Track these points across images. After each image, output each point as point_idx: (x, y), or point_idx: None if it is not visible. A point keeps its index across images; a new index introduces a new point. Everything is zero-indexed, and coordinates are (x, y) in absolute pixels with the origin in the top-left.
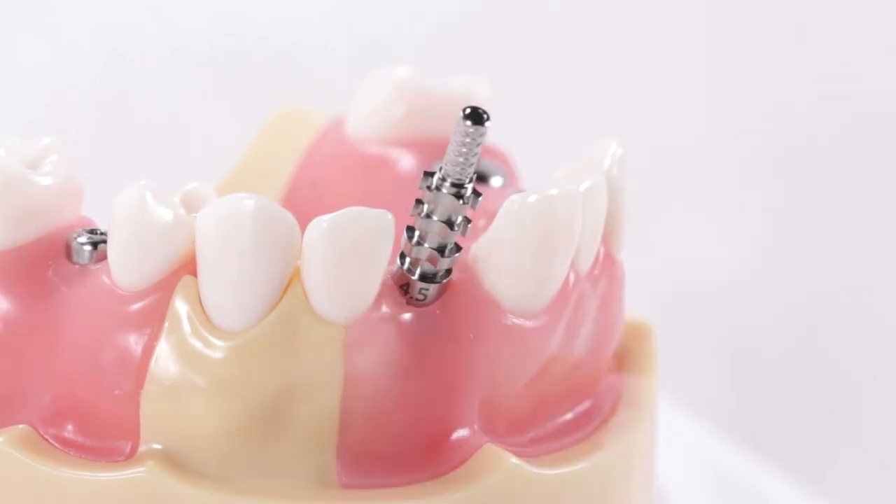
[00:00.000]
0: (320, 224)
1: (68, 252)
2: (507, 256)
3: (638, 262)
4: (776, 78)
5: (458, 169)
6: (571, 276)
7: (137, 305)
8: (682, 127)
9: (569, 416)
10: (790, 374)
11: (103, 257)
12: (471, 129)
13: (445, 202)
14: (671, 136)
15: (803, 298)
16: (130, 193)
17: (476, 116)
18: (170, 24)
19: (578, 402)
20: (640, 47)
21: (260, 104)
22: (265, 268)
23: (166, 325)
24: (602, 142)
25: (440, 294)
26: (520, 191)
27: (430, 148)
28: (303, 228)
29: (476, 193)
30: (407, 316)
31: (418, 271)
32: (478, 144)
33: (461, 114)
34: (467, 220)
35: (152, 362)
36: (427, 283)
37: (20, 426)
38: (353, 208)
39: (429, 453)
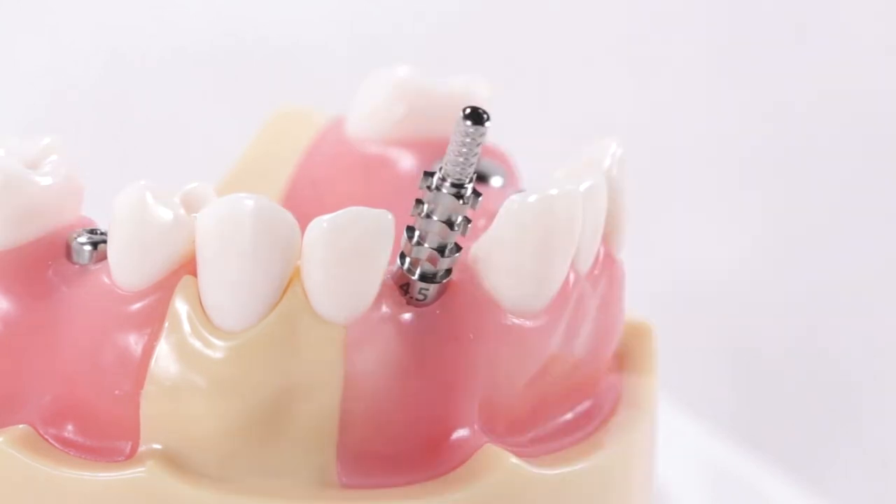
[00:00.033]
0: (320, 224)
1: (68, 252)
2: (507, 256)
3: (638, 262)
4: (776, 78)
5: (458, 169)
6: (571, 276)
7: (137, 305)
8: (682, 127)
9: (569, 416)
10: (790, 374)
11: (103, 257)
12: (471, 129)
13: (445, 202)
14: (671, 136)
15: (803, 298)
16: (130, 193)
17: (476, 116)
18: (170, 24)
19: (578, 402)
20: (640, 47)
21: (260, 104)
22: (265, 268)
23: (166, 325)
24: (602, 142)
25: (440, 294)
26: (520, 191)
27: (430, 148)
28: (303, 228)
29: (476, 193)
30: (407, 316)
31: (418, 271)
32: (478, 144)
33: (461, 114)
34: (467, 220)
35: (152, 362)
36: (427, 283)
37: (20, 426)
38: (353, 208)
39: (429, 453)
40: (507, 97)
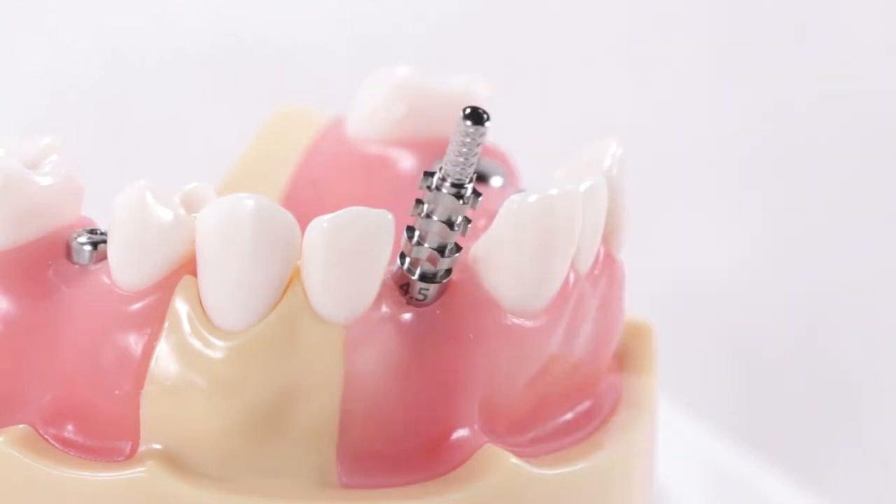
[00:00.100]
0: (320, 224)
1: (68, 252)
2: (507, 256)
3: (638, 262)
4: (776, 78)
5: (458, 169)
6: (571, 276)
7: (137, 305)
8: (682, 127)
9: (569, 416)
10: (790, 374)
11: (103, 257)
12: (471, 129)
13: (445, 202)
14: (671, 136)
15: (803, 298)
16: (130, 193)
17: (476, 116)
18: (170, 24)
19: (578, 402)
20: (640, 47)
21: (260, 104)
22: (265, 268)
23: (166, 325)
24: (602, 142)
25: (440, 294)
26: (520, 191)
27: (430, 148)
28: (303, 228)
29: (476, 193)
30: (407, 316)
31: (418, 271)
32: (478, 144)
33: (461, 114)
34: (467, 220)
35: (152, 362)
36: (427, 283)
37: (20, 426)
38: (353, 208)
39: (429, 453)
40: (507, 97)
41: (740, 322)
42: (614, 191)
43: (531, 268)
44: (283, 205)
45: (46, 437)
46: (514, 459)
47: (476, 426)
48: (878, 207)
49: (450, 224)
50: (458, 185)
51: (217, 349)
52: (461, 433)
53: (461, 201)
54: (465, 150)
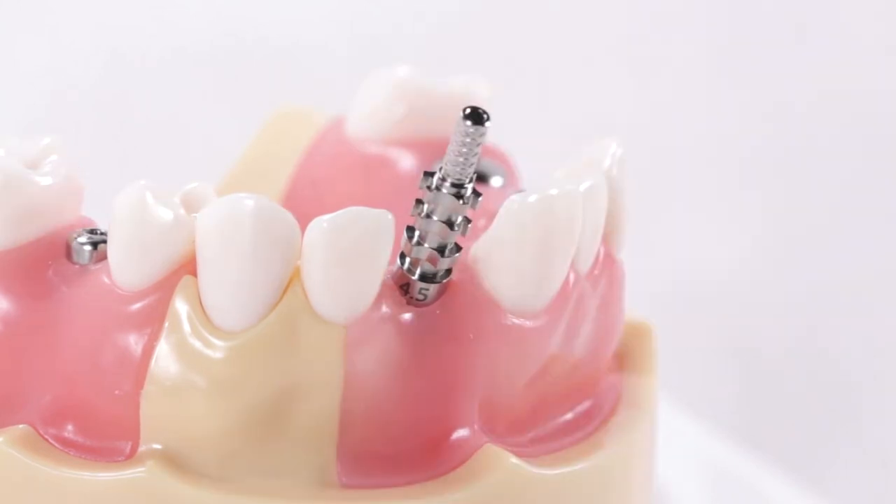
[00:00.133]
0: (320, 224)
1: (68, 252)
2: (507, 256)
3: (638, 262)
4: (776, 78)
5: (458, 169)
6: (571, 276)
7: (137, 305)
8: (682, 127)
9: (569, 416)
10: (790, 374)
11: (103, 257)
12: (471, 129)
13: (445, 202)
14: (671, 136)
15: (803, 298)
16: (130, 193)
17: (476, 116)
18: (170, 24)
19: (578, 402)
20: (640, 47)
21: (260, 104)
22: (265, 268)
23: (166, 325)
24: (602, 142)
25: (440, 294)
26: (520, 191)
27: (430, 148)
28: (303, 228)
29: (476, 193)
30: (407, 316)
31: (418, 271)
32: (478, 144)
33: (461, 114)
34: (467, 220)
35: (152, 362)
36: (427, 283)
37: (20, 426)
38: (353, 208)
39: (429, 453)
40: (507, 97)
41: (740, 322)
42: (614, 191)
43: (531, 268)
44: (283, 205)
45: (46, 437)
46: (514, 459)
47: (476, 426)
48: (878, 207)
49: (450, 224)
50: (458, 185)
51: (217, 349)
52: (461, 433)
53: (461, 201)
54: (465, 150)
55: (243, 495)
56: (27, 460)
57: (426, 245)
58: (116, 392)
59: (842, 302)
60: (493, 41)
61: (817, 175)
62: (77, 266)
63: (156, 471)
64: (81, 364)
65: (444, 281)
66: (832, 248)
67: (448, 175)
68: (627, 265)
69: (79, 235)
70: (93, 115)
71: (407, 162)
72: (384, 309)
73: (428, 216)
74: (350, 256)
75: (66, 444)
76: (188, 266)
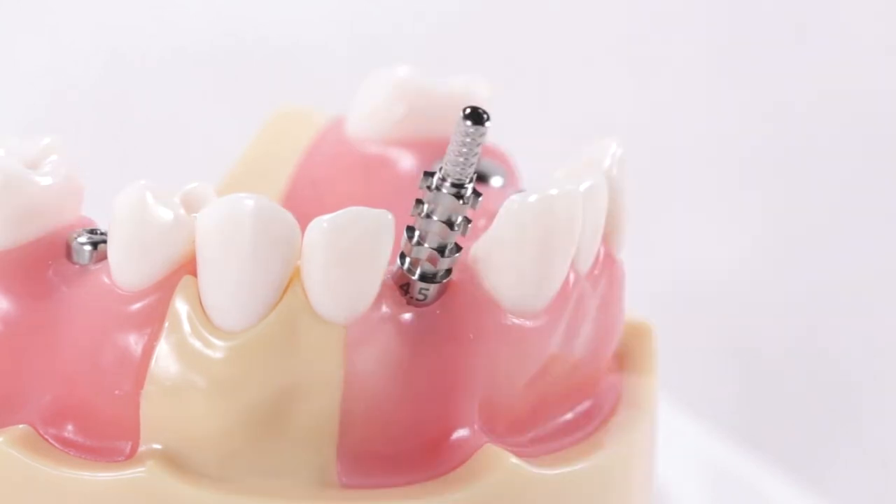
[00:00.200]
0: (320, 224)
1: (68, 252)
2: (507, 256)
3: (638, 262)
4: (776, 78)
5: (458, 169)
6: (571, 276)
7: (137, 305)
8: (682, 127)
9: (569, 416)
10: (790, 374)
11: (103, 257)
12: (471, 129)
13: (445, 202)
14: (671, 136)
15: (803, 298)
16: (130, 193)
17: (476, 116)
18: (170, 24)
19: (578, 402)
20: (640, 47)
21: (260, 104)
22: (265, 268)
23: (166, 325)
24: (602, 142)
25: (440, 294)
26: (520, 191)
27: (430, 148)
28: (303, 228)
29: (476, 193)
30: (407, 316)
31: (418, 271)
32: (478, 144)
33: (461, 114)
34: (467, 220)
35: (152, 362)
36: (427, 283)
37: (20, 426)
38: (353, 208)
39: (429, 453)
40: (507, 97)
41: (740, 322)
42: (614, 191)
43: (531, 268)
44: (283, 205)
45: (46, 437)
46: (514, 459)
47: (476, 426)
48: (878, 207)
49: (450, 224)
50: (458, 185)
51: (217, 349)
52: (461, 433)
53: (461, 201)
54: (465, 150)
55: (243, 495)
56: (27, 460)
57: (426, 245)
58: (116, 392)
59: (842, 302)
60: (493, 41)
61: (817, 175)
62: (77, 266)
63: (156, 471)
64: (81, 364)
65: (444, 281)
66: (832, 248)
67: (448, 175)
68: (627, 265)
69: (79, 235)
70: (93, 115)
71: (407, 162)
72: (384, 309)
73: (428, 216)
74: (350, 256)
75: (66, 444)
76: (188, 266)
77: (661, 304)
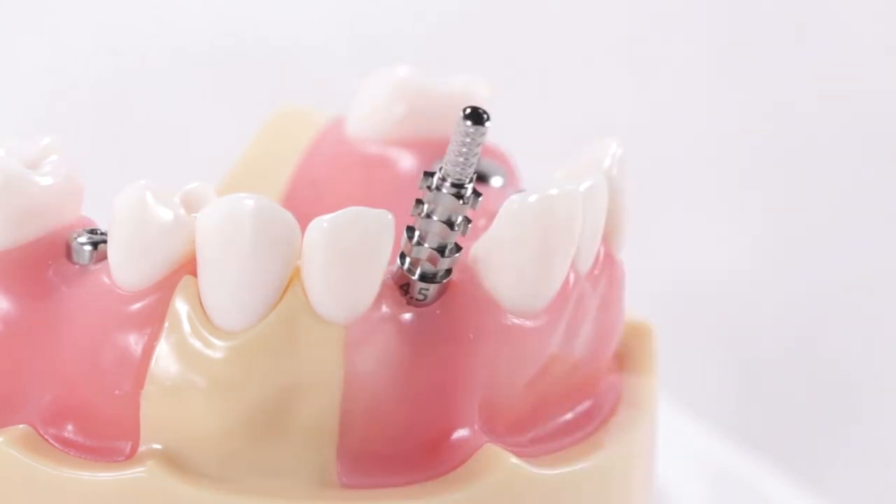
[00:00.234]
0: (320, 224)
1: (68, 252)
2: (507, 256)
3: (638, 262)
4: (776, 78)
5: (458, 169)
6: (571, 276)
7: (137, 305)
8: (682, 127)
9: (569, 416)
10: (790, 374)
11: (103, 257)
12: (471, 129)
13: (445, 202)
14: (671, 136)
15: (803, 299)
16: (130, 193)
17: (476, 116)
18: (170, 24)
19: (578, 402)
20: (640, 47)
21: (260, 104)
22: (265, 268)
23: (166, 325)
24: (602, 142)
25: (440, 294)
26: (520, 191)
27: (430, 148)
28: (303, 228)
29: (476, 193)
30: (407, 316)
31: (418, 271)
32: (478, 144)
33: (461, 114)
34: (467, 220)
35: (152, 362)
36: (427, 283)
37: (20, 426)
38: (353, 208)
39: (429, 453)
40: (507, 97)
41: (740, 322)
42: (614, 191)
43: (531, 268)
44: (283, 205)
45: (46, 437)
46: (514, 459)
47: (476, 426)
48: (878, 207)
49: (450, 224)
50: (458, 185)
51: (217, 349)
52: (461, 433)
53: (461, 201)
54: (465, 150)
55: (243, 495)
56: (27, 460)
57: (426, 245)
58: (116, 392)
59: (842, 302)
60: (493, 41)
61: (817, 175)
62: (77, 266)
63: (156, 471)
64: (81, 364)
65: (444, 281)
66: (832, 248)
67: (448, 175)
68: (627, 265)
69: (79, 235)
70: (93, 115)
71: (407, 162)
72: (384, 309)
73: (428, 216)
74: (350, 256)
75: (66, 444)
76: (188, 266)
77: (661, 304)
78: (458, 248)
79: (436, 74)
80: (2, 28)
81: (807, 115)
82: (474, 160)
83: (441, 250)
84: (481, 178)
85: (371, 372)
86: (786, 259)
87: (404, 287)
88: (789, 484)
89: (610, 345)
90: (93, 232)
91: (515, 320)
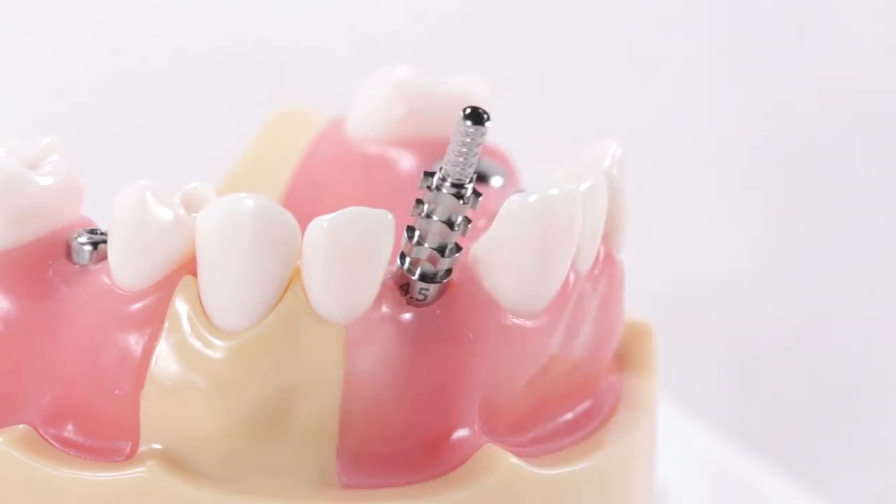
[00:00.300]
0: (320, 224)
1: (68, 252)
2: (507, 256)
3: (638, 262)
4: (776, 78)
5: (458, 169)
6: (571, 276)
7: (137, 305)
8: (682, 127)
9: (569, 416)
10: (790, 374)
11: (103, 257)
12: (471, 129)
13: (445, 202)
14: (671, 136)
15: (803, 299)
16: (130, 193)
17: (476, 116)
18: (170, 24)
19: (578, 402)
20: (640, 47)
21: (260, 104)
22: (265, 268)
23: (166, 325)
24: (602, 142)
25: (440, 294)
26: (520, 191)
27: (430, 148)
28: (303, 228)
29: (476, 193)
30: (407, 316)
31: (418, 271)
32: (478, 144)
33: (461, 114)
34: (467, 220)
35: (152, 362)
36: (427, 283)
37: (20, 426)
38: (353, 208)
39: (429, 453)
40: (507, 97)
41: (740, 322)
42: (614, 191)
43: (531, 268)
44: (283, 205)
45: (46, 437)
46: (514, 459)
47: (476, 426)
48: (878, 207)
49: (450, 224)
50: (458, 185)
51: (217, 349)
52: (461, 433)
53: (461, 201)
54: (465, 150)
55: (243, 495)
56: (27, 460)
57: (426, 245)
58: (116, 392)
59: (842, 302)
60: (493, 41)
61: (817, 175)
62: (77, 266)
63: (156, 471)
64: (81, 364)
65: (444, 281)
66: (832, 248)
67: (448, 175)
68: (627, 265)
69: (79, 235)
70: (93, 115)
71: (407, 162)
72: (384, 309)
73: (428, 216)
74: (350, 256)
75: (66, 444)
76: (188, 266)
77: (661, 304)
78: (458, 248)
79: (436, 74)
80: (2, 28)
81: (807, 115)
82: (474, 160)
83: (441, 250)
84: (481, 178)
85: (371, 372)
86: (786, 259)
87: (404, 287)
88: (789, 484)
89: (610, 345)
90: (93, 232)
91: (515, 320)
